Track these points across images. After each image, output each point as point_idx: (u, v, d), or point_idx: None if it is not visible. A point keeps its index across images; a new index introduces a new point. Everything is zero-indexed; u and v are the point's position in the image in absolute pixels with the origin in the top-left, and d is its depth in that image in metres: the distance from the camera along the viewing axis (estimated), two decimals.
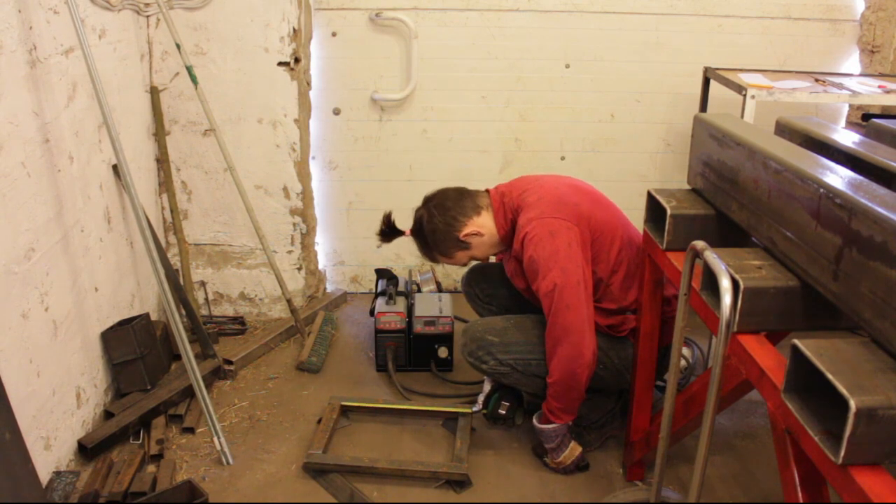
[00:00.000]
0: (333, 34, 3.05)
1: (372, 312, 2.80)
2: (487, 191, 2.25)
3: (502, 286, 2.47)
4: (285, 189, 3.01)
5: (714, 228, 1.77)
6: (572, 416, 2.11)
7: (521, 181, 2.24)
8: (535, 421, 2.18)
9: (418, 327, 2.72)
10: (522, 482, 2.19)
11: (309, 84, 3.00)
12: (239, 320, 3.09)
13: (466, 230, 2.18)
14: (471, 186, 2.31)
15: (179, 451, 2.29)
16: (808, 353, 1.12)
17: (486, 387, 2.42)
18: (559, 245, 2.00)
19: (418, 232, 2.26)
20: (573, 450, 2.17)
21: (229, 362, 2.72)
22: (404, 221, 3.31)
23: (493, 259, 2.42)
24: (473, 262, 2.40)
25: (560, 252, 1.99)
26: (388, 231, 2.33)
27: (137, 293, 2.73)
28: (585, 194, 2.18)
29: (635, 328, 2.10)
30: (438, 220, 2.19)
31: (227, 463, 2.22)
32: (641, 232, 2.01)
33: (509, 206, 2.17)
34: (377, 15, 3.00)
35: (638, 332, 2.05)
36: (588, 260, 2.05)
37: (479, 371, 2.24)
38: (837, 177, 1.33)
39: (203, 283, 3.10)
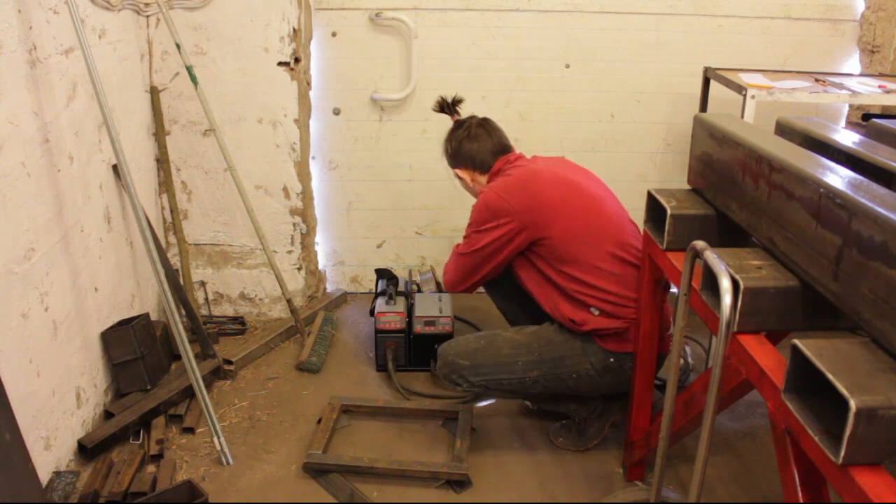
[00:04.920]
0: (333, 34, 3.05)
1: (372, 312, 2.80)
2: (505, 156, 2.32)
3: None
4: (285, 189, 3.01)
5: (714, 228, 1.77)
6: None
7: (525, 158, 2.30)
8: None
9: (418, 327, 2.72)
10: (522, 482, 2.19)
11: (309, 84, 3.00)
12: (239, 320, 3.09)
13: (461, 171, 2.37)
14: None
15: (179, 451, 2.29)
16: (808, 353, 1.12)
17: None
18: (486, 217, 2.14)
19: (454, 129, 2.40)
20: None
21: (229, 362, 2.72)
22: (406, 223, 3.32)
23: None
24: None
25: (484, 222, 2.14)
26: (447, 108, 2.48)
27: (137, 293, 2.73)
28: (564, 186, 2.15)
29: (602, 333, 2.11)
30: (464, 144, 2.33)
31: (227, 463, 2.22)
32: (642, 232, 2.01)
33: (499, 174, 2.28)
34: (377, 15, 3.00)
35: (638, 332, 2.05)
36: (514, 247, 2.13)
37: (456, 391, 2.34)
38: (837, 177, 1.33)
39: (203, 283, 3.10)
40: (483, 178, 2.32)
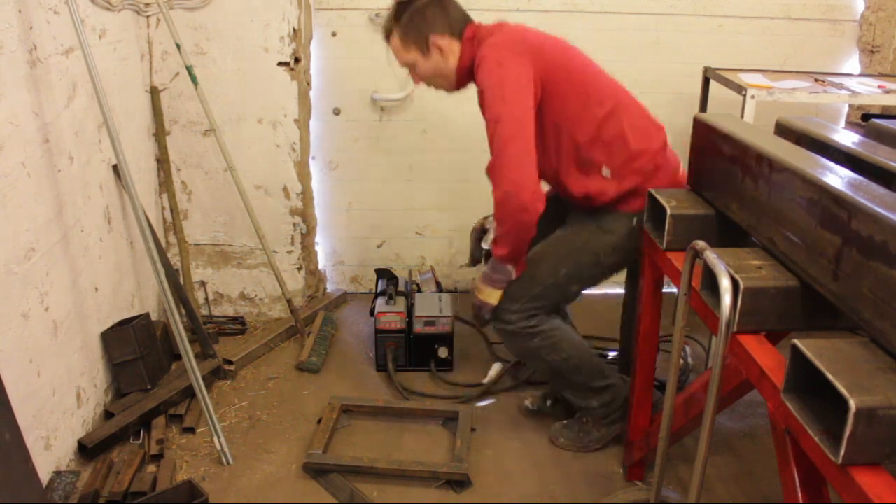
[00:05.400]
0: (333, 34, 3.05)
1: (372, 312, 2.80)
2: (471, 23, 2.17)
3: None
4: (285, 189, 3.01)
5: (714, 228, 1.77)
6: (511, 260, 2.07)
7: (498, 24, 2.18)
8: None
9: (418, 327, 2.72)
10: (522, 482, 2.19)
11: (309, 84, 3.00)
12: (239, 320, 3.09)
13: (439, 41, 2.10)
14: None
15: (179, 451, 2.29)
16: (808, 353, 1.12)
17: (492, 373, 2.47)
18: (506, 75, 1.97)
19: (410, 2, 2.13)
20: (493, 294, 2.10)
21: (229, 362, 2.72)
22: (406, 223, 3.30)
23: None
24: (414, 80, 2.27)
25: (506, 83, 1.97)
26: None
27: (137, 293, 2.73)
28: (557, 44, 2.14)
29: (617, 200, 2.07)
30: (430, 10, 2.11)
31: (227, 463, 2.22)
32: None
33: (477, 41, 2.12)
34: (377, 15, 3.00)
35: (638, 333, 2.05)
36: (537, 98, 2.01)
37: (512, 337, 2.17)
38: (837, 177, 1.33)
39: (203, 283, 3.10)
40: (457, 48, 2.12)
